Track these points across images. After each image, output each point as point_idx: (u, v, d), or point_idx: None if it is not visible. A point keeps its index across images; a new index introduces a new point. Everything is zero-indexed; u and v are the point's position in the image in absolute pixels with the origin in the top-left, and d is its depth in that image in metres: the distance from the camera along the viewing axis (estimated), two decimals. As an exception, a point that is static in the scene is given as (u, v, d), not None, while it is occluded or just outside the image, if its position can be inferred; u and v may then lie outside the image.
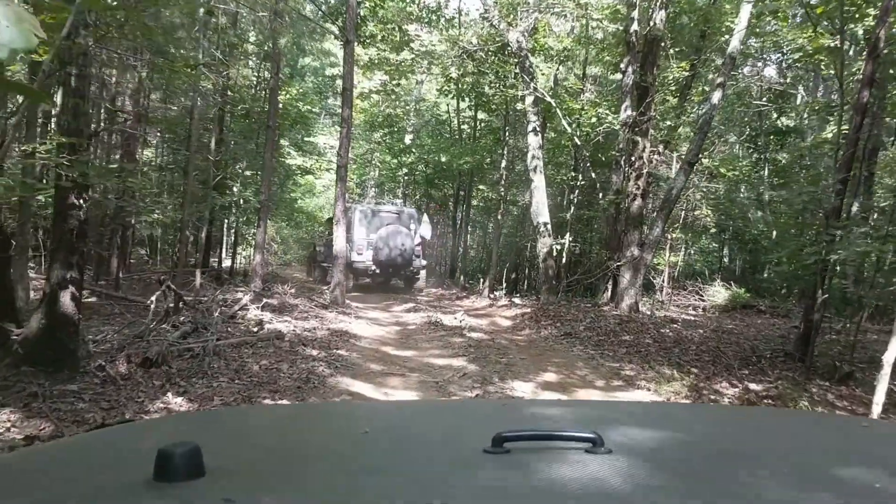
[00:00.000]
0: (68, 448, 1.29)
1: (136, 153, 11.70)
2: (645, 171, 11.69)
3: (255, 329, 8.09)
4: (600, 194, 12.63)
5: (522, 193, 16.22)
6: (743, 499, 0.93)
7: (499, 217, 14.99)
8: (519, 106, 12.32)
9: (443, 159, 15.84)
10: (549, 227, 12.14)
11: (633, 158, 11.68)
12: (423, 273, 14.98)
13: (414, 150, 18.48)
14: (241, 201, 12.57)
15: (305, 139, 27.28)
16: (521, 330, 10.90)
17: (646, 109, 11.43)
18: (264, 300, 10.31)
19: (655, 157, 11.84)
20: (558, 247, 12.63)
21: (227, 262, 17.29)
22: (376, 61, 16.14)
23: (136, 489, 0.89)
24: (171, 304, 8.04)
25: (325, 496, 0.92)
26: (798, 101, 23.53)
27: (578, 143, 12.36)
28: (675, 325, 11.43)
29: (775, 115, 22.24)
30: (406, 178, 20.98)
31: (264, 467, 1.02)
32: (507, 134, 14.69)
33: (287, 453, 1.13)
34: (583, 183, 13.90)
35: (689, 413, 1.91)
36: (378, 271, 14.05)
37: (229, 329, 7.78)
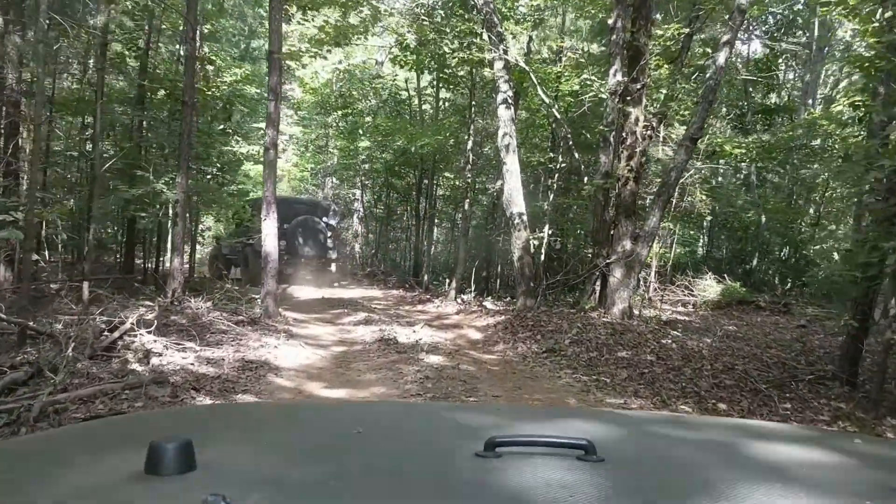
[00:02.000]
0: (59, 440, 1.26)
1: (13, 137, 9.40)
2: (639, 148, 9.76)
3: (135, 366, 5.96)
4: (585, 179, 10.69)
5: (493, 181, 14.23)
6: None
7: (465, 207, 12.96)
8: (487, 72, 10.28)
9: (399, 142, 13.74)
10: (524, 218, 10.16)
11: (623, 134, 9.75)
12: (334, 265, 14.86)
13: (362, 131, 16.30)
14: (159, 193, 10.33)
15: (253, 124, 25.22)
16: (494, 345, 8.93)
17: (639, 74, 9.48)
18: (171, 317, 8.18)
19: (650, 132, 9.92)
20: (536, 241, 10.67)
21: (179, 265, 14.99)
22: (324, 30, 13.99)
23: (127, 482, 0.88)
24: (15, 337, 5.88)
25: (315, 494, 0.90)
26: (782, 79, 21.99)
27: (558, 116, 10.38)
28: (676, 333, 9.59)
29: (762, 94, 20.64)
30: (364, 165, 18.86)
31: (256, 463, 1.01)
32: (472, 111, 12.64)
33: (279, 450, 1.12)
34: (563, 165, 11.92)
35: (684, 424, 1.80)
36: (289, 261, 13.58)
37: (93, 369, 5.63)
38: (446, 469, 1.01)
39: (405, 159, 16.88)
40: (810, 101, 20.32)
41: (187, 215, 12.94)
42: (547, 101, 10.23)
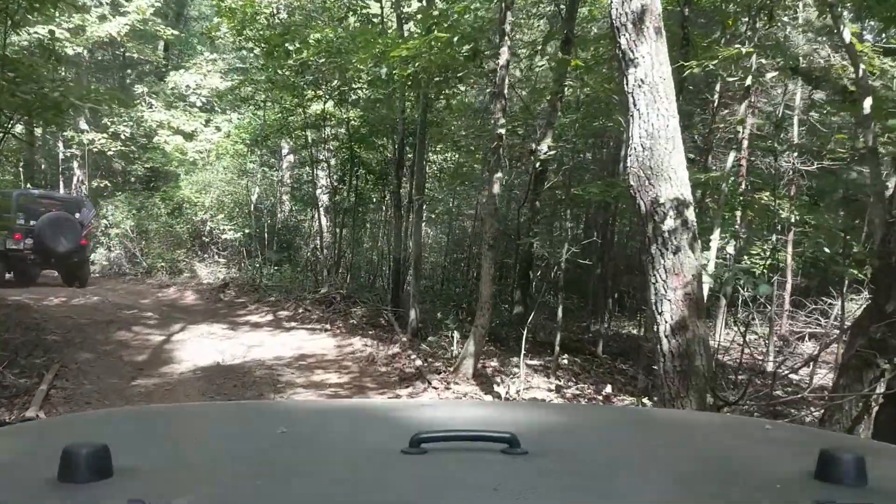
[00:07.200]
0: None
1: None
2: None
3: None
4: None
5: (535, 140, 7.67)
6: (651, 500, 0.92)
7: (495, 190, 6.29)
8: None
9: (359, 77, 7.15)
10: (690, 216, 3.64)
11: None
12: (88, 264, 14.27)
13: (292, 47, 9.63)
14: None
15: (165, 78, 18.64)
16: None
17: None
18: None
19: None
20: (710, 281, 4.20)
21: None
22: None
23: (40, 490, 0.84)
24: None
25: (239, 497, 0.87)
26: None
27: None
28: None
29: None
30: (311, 135, 12.33)
31: (176, 467, 0.98)
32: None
33: (200, 453, 1.09)
34: (772, 77, 5.14)
35: (606, 415, 1.84)
36: (38, 260, 13.18)
37: None
38: (372, 467, 0.99)
39: (385, 125, 10.55)
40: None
41: None
42: None
